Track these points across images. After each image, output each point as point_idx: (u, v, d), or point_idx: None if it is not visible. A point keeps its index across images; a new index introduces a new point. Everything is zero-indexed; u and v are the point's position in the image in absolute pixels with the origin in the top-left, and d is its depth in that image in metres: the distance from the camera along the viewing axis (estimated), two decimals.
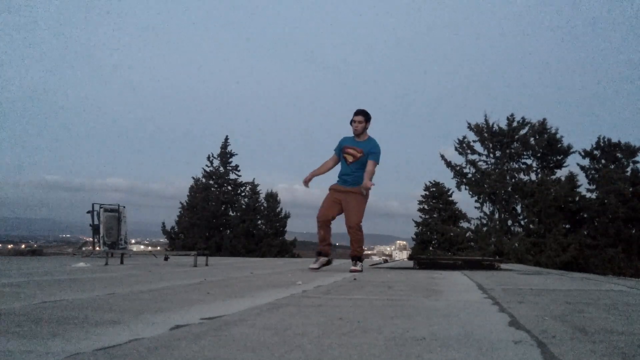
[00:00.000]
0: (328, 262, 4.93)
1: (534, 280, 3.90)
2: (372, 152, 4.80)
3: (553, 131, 21.82)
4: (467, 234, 22.33)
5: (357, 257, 4.90)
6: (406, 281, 3.54)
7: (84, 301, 2.09)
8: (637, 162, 20.88)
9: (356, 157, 4.82)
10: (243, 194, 24.32)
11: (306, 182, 5.00)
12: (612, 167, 20.69)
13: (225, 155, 24.31)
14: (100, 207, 10.59)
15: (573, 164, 21.87)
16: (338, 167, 5.02)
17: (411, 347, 1.21)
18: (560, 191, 19.70)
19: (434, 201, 25.63)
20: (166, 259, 8.16)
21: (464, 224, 23.32)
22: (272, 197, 23.91)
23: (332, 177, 5.07)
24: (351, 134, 4.92)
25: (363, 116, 4.82)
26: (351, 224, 4.79)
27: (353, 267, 4.77)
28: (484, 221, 21.79)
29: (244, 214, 23.16)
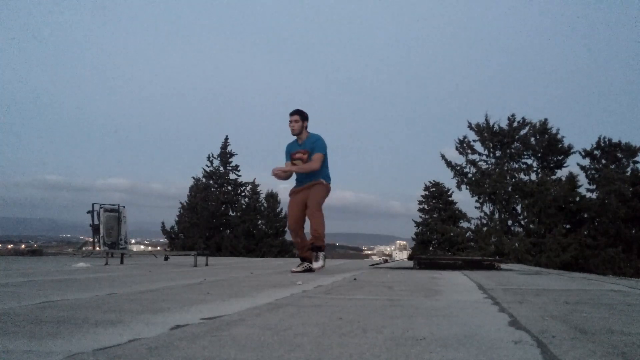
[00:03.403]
0: (310, 269, 4.73)
1: (534, 280, 3.90)
2: (314, 146, 4.73)
3: (554, 131, 21.81)
4: (467, 234, 22.32)
5: (318, 248, 4.63)
6: (406, 281, 3.54)
7: (84, 301, 2.09)
8: (638, 162, 20.89)
9: (304, 160, 4.77)
10: (243, 194, 24.34)
11: (279, 174, 4.77)
12: (613, 167, 20.68)
13: (225, 155, 24.32)
14: (100, 207, 10.60)
15: (573, 164, 21.89)
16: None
17: (411, 347, 1.21)
18: (560, 191, 19.69)
19: (434, 201, 25.65)
20: (166, 259, 8.17)
21: (464, 224, 23.32)
22: (272, 197, 23.92)
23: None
24: (294, 139, 4.88)
25: (298, 115, 4.78)
26: (310, 208, 4.64)
27: (315, 265, 4.53)
28: (484, 221, 21.79)
29: (244, 214, 23.16)
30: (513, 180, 21.47)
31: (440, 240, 23.94)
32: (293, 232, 4.89)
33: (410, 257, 9.96)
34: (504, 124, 22.14)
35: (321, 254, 4.63)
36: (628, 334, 1.42)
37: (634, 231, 19.41)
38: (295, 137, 4.87)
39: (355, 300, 2.25)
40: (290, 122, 4.79)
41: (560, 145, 21.76)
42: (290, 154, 4.88)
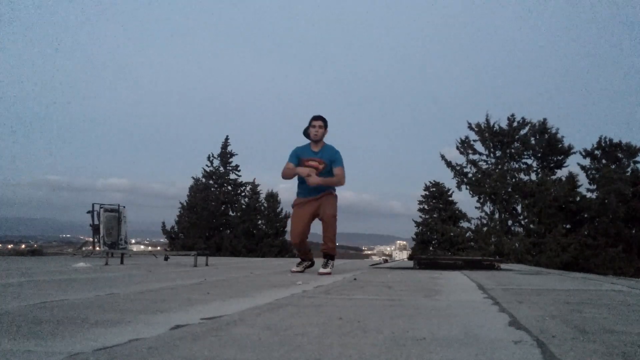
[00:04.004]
0: (311, 265, 4.75)
1: (534, 280, 3.90)
2: (334, 159, 4.54)
3: (554, 131, 21.84)
4: (467, 234, 22.33)
5: (330, 256, 4.51)
6: (406, 281, 3.54)
7: (84, 301, 2.09)
8: (638, 162, 20.89)
9: (319, 170, 4.52)
10: (243, 194, 24.34)
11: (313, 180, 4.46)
12: (613, 167, 20.68)
13: (225, 155, 24.33)
14: (101, 207, 10.60)
15: (573, 164, 21.91)
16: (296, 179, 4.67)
17: (411, 347, 1.21)
18: (560, 191, 19.69)
19: (434, 201, 25.65)
20: (166, 259, 8.16)
21: (464, 224, 23.34)
22: (272, 197, 23.92)
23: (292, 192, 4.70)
24: (302, 144, 4.64)
25: (322, 121, 4.57)
26: (328, 217, 4.45)
27: (322, 270, 4.33)
28: (484, 221, 21.79)
29: (244, 214, 23.16)
30: (513, 180, 21.48)
31: (440, 240, 23.94)
32: (298, 245, 4.63)
33: (410, 257, 9.96)
34: (504, 124, 22.18)
35: (331, 262, 4.50)
36: (628, 334, 1.42)
37: (634, 231, 19.41)
38: (308, 142, 4.62)
39: (355, 300, 2.25)
40: (314, 126, 4.55)
41: (560, 145, 21.78)
42: (301, 159, 4.58)
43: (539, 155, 21.96)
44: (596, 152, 21.55)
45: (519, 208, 21.45)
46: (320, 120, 4.58)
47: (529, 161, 22.24)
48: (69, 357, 1.08)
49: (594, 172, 21.24)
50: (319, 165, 4.54)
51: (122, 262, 6.38)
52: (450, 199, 25.34)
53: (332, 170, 4.55)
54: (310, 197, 4.57)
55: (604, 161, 21.30)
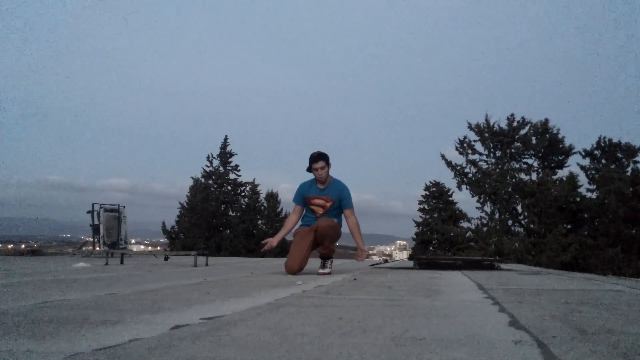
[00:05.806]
0: None
1: (534, 280, 3.90)
2: (343, 197, 4.42)
3: (554, 131, 21.83)
4: (468, 234, 22.33)
5: (328, 257, 4.41)
6: (406, 281, 3.54)
7: (84, 301, 2.09)
8: (638, 162, 20.89)
9: (326, 208, 4.41)
10: (243, 194, 24.35)
11: (272, 245, 4.50)
12: (613, 167, 20.68)
13: (225, 155, 24.34)
14: (101, 207, 10.60)
15: (574, 164, 21.90)
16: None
17: (411, 347, 1.21)
18: (560, 191, 19.70)
19: (434, 201, 25.66)
20: (166, 259, 8.17)
21: (465, 224, 23.34)
22: (272, 197, 23.94)
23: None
24: (307, 179, 4.50)
25: (324, 160, 4.33)
26: (321, 228, 4.27)
27: (322, 270, 4.28)
28: (485, 221, 21.79)
29: (244, 214, 23.18)
30: (513, 180, 21.48)
31: (440, 240, 23.96)
32: (294, 274, 4.19)
33: (410, 257, 9.96)
34: (503, 124, 22.18)
35: (329, 261, 4.42)
36: (628, 334, 1.42)
37: (634, 231, 19.42)
38: (313, 177, 4.44)
39: (355, 300, 2.25)
40: (316, 169, 4.32)
41: (561, 145, 21.78)
42: (307, 198, 4.45)
43: (540, 155, 21.96)
44: (596, 152, 21.56)
45: (519, 208, 21.45)
46: (321, 161, 4.34)
47: (530, 161, 22.27)
48: (68, 357, 1.08)
49: (593, 172, 21.25)
50: (326, 203, 4.42)
51: (122, 262, 6.38)
52: (450, 199, 25.36)
53: (342, 208, 4.45)
54: (309, 227, 4.43)
55: (603, 161, 21.30)
